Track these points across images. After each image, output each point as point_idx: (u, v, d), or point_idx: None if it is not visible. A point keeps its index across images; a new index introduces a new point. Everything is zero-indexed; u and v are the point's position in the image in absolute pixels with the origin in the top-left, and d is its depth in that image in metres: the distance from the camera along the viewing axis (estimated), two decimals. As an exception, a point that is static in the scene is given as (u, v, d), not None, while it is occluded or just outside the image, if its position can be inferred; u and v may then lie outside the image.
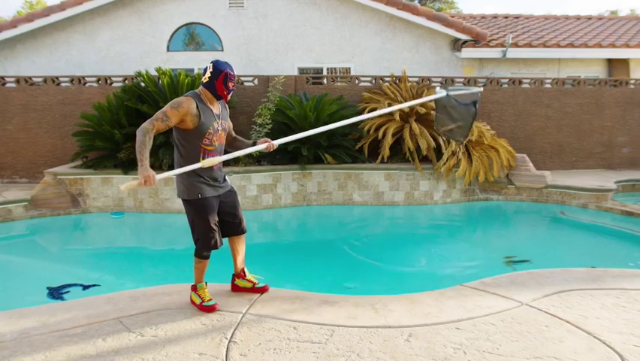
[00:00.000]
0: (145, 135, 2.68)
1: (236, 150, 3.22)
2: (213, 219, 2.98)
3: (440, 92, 3.74)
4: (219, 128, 3.00)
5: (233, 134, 3.29)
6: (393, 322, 2.83)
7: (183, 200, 2.98)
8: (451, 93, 3.73)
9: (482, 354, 2.42)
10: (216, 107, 3.02)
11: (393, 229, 7.19)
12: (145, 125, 2.72)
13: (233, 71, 2.94)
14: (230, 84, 2.93)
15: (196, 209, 2.94)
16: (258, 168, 7.43)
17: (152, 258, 5.74)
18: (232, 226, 3.18)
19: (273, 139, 3.25)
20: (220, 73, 2.88)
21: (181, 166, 2.89)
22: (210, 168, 2.95)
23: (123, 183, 2.57)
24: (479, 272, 4.52)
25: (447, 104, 3.78)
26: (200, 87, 2.98)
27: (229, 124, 3.17)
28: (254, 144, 3.22)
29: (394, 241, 6.49)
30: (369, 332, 2.70)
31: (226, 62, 2.94)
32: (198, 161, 2.88)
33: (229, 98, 3.02)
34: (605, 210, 7.12)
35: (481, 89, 3.88)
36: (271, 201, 7.46)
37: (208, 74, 2.91)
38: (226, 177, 3.16)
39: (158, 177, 2.68)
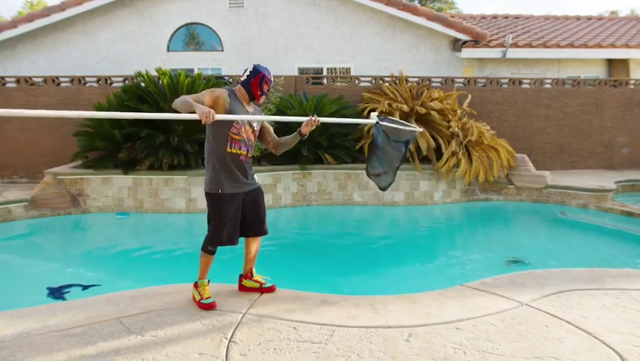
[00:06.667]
0: (183, 98, 2.78)
1: (286, 147, 3.31)
2: (228, 217, 3.00)
3: (372, 120, 3.35)
4: (248, 122, 3.05)
5: (276, 138, 3.33)
6: (393, 322, 2.83)
7: (205, 192, 3.05)
8: (383, 123, 3.32)
9: (482, 354, 2.43)
10: (250, 107, 3.12)
11: (393, 229, 7.19)
12: (182, 96, 2.84)
13: (270, 77, 3.08)
14: (265, 87, 3.06)
15: (213, 203, 3.01)
16: (258, 168, 7.39)
17: (152, 258, 5.73)
18: (252, 226, 3.19)
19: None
20: (257, 74, 3.02)
21: (210, 156, 3.00)
22: (237, 159, 3.00)
23: None
24: (479, 272, 4.53)
25: (378, 139, 3.36)
26: (238, 85, 3.11)
27: (264, 125, 3.23)
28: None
29: (394, 241, 6.49)
30: (369, 332, 2.70)
31: (266, 68, 3.07)
32: (226, 150, 2.95)
33: (262, 100, 3.11)
34: (605, 210, 7.12)
35: (421, 129, 3.46)
36: (271, 202, 7.46)
37: (247, 72, 3.05)
38: (255, 176, 3.20)
39: (217, 117, 2.72)
